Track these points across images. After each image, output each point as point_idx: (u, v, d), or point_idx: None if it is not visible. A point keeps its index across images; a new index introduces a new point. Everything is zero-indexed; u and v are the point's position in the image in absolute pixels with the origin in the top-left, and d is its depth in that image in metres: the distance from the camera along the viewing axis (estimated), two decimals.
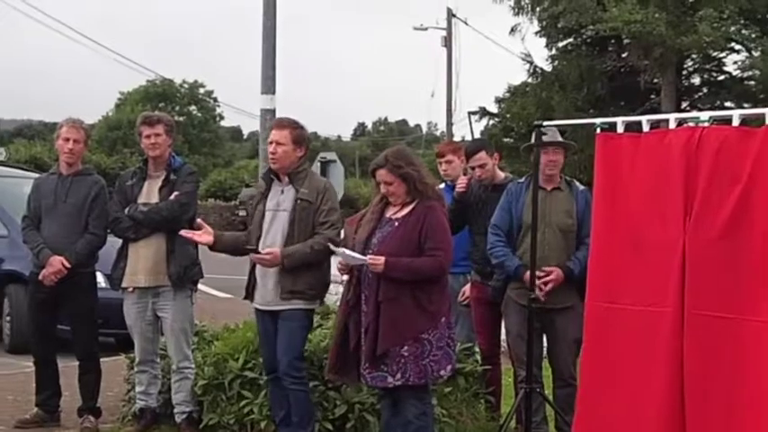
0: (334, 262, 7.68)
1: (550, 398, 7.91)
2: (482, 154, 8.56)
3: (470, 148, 8.85)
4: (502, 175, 8.72)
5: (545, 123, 7.49)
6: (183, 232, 7.79)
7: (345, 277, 7.02)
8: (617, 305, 6.47)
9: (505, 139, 27.16)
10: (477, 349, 8.64)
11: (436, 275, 6.88)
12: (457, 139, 40.81)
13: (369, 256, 6.77)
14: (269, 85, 12.20)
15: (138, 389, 8.54)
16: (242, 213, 43.05)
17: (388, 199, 7.07)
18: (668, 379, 6.14)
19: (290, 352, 7.55)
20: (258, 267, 7.66)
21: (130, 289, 8.34)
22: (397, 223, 6.95)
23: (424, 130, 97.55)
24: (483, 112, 29.98)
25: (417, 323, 6.76)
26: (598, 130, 6.61)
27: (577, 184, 7.88)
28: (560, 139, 7.94)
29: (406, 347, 6.74)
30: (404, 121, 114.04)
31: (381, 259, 6.72)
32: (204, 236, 7.74)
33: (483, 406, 8.47)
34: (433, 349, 6.79)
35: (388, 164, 6.98)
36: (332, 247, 7.04)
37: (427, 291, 6.82)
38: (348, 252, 6.87)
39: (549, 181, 7.92)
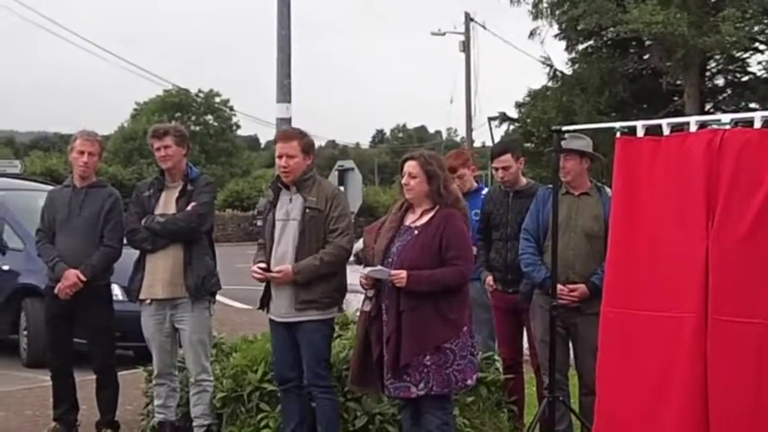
0: (351, 271, 7.63)
1: (577, 405, 7.83)
2: (507, 156, 8.49)
3: (496, 149, 8.78)
4: (524, 180, 8.65)
5: (564, 128, 7.41)
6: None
7: (370, 292, 6.94)
8: (634, 311, 6.39)
9: (526, 144, 27.01)
10: (498, 358, 8.54)
11: (458, 285, 6.81)
12: (477, 145, 40.76)
13: (391, 271, 6.71)
14: (284, 94, 12.19)
15: (156, 402, 8.48)
16: (260, 223, 43.10)
17: (407, 206, 7.01)
18: (690, 385, 6.06)
19: (314, 363, 7.51)
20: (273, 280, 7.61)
21: (148, 301, 8.28)
22: (416, 231, 6.89)
23: (444, 136, 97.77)
24: (503, 118, 29.87)
25: (439, 332, 6.71)
26: (618, 134, 6.53)
27: (607, 189, 7.78)
28: (576, 145, 7.84)
29: (428, 357, 6.69)
30: (423, 128, 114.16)
31: (403, 273, 6.68)
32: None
33: (506, 416, 8.39)
34: (456, 358, 6.74)
35: (421, 158, 6.97)
36: (361, 270, 6.94)
37: (449, 300, 6.76)
38: (374, 270, 6.81)
39: (576, 186, 7.86)
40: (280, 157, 7.68)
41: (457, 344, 6.75)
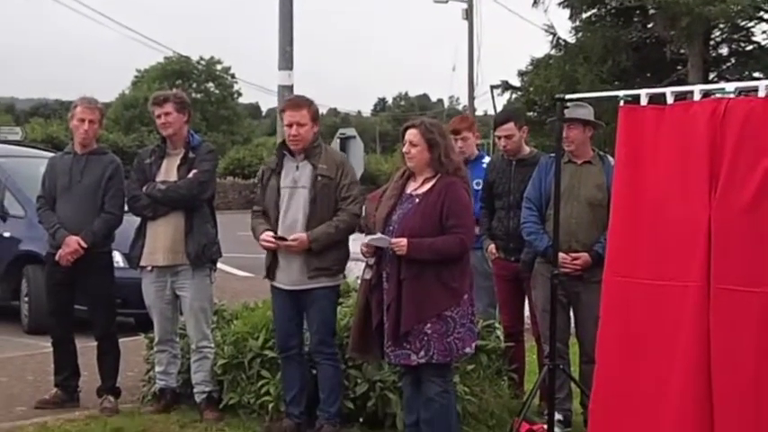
0: (352, 239, 7.63)
1: (578, 374, 7.84)
2: (510, 125, 8.47)
3: (499, 118, 8.77)
4: (527, 149, 8.63)
5: (567, 97, 7.37)
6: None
7: (371, 260, 6.93)
8: (636, 279, 6.35)
9: (529, 113, 26.85)
10: (498, 326, 8.54)
11: (458, 253, 6.79)
12: (479, 114, 40.65)
13: (392, 239, 6.70)
14: (286, 61, 12.09)
15: (157, 369, 8.50)
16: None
17: (408, 174, 6.99)
18: (693, 353, 6.03)
19: (322, 330, 7.57)
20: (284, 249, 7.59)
21: (149, 268, 8.29)
22: (417, 200, 6.87)
23: (446, 104, 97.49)
24: (505, 86, 29.60)
25: (440, 301, 6.71)
26: (621, 103, 6.49)
27: (610, 158, 7.75)
28: (580, 114, 7.82)
29: (429, 325, 6.68)
30: (425, 96, 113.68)
31: (404, 241, 6.66)
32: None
33: (506, 383, 8.38)
34: (456, 326, 6.74)
35: (422, 126, 6.93)
36: (365, 238, 6.92)
37: (450, 268, 6.75)
38: (375, 237, 6.79)
39: (578, 155, 7.85)
40: (290, 125, 7.63)
41: (457, 312, 6.75)
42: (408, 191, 6.99)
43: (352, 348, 7.16)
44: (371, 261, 6.88)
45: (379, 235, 6.78)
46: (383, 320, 6.82)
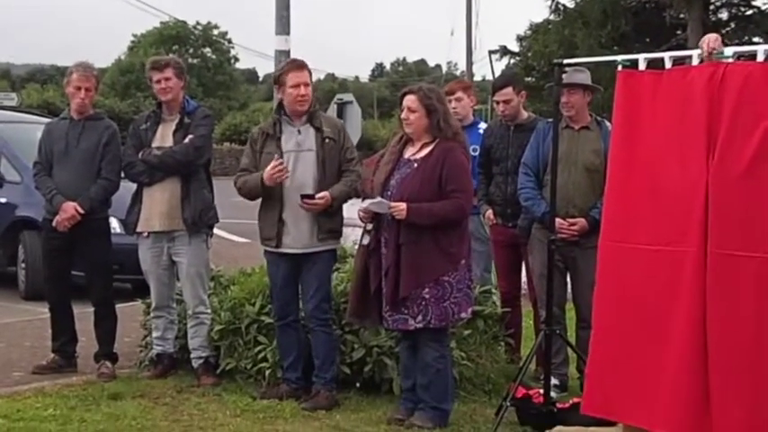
0: (349, 204, 7.64)
1: (574, 339, 7.85)
2: (509, 90, 8.45)
3: (498, 82, 8.74)
4: (525, 114, 8.61)
5: (566, 62, 7.33)
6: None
7: (369, 225, 6.93)
8: (632, 244, 6.33)
9: (527, 79, 26.76)
10: (495, 291, 8.54)
11: (457, 218, 6.85)
12: (477, 79, 40.50)
13: (391, 203, 6.69)
14: (283, 26, 12.06)
15: (154, 334, 8.51)
16: None
17: (406, 139, 6.99)
18: (690, 318, 6.02)
19: (318, 294, 7.58)
20: (289, 211, 7.56)
21: (145, 234, 8.29)
22: (416, 164, 6.89)
23: (444, 70, 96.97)
24: (504, 51, 29.59)
25: (438, 266, 6.76)
26: (619, 67, 6.45)
27: (607, 123, 7.73)
28: (576, 79, 7.79)
29: (426, 290, 6.74)
30: (423, 61, 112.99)
31: (403, 206, 6.69)
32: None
33: (503, 349, 8.39)
34: (453, 291, 6.80)
35: (420, 92, 6.95)
36: (363, 203, 6.92)
37: (448, 233, 6.80)
38: (374, 202, 6.79)
39: (576, 120, 7.84)
40: (296, 86, 7.60)
41: (454, 277, 6.80)
42: (406, 156, 6.99)
43: (350, 313, 7.18)
44: (369, 226, 6.89)
45: (378, 199, 6.78)
46: (381, 286, 6.83)
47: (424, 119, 6.89)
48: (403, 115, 6.94)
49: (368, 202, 6.83)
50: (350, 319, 7.33)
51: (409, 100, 6.94)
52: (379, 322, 7.09)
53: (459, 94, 8.95)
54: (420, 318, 6.78)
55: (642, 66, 6.45)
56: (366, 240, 6.91)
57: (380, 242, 6.88)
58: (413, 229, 6.72)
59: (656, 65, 6.41)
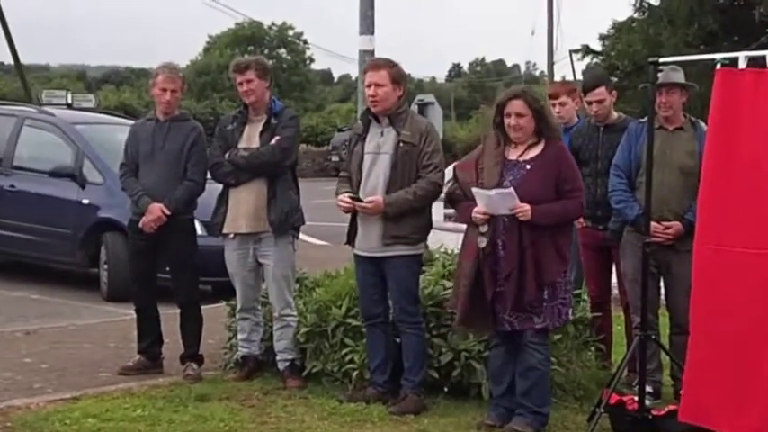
0: (438, 208, 7.54)
1: (668, 345, 7.67)
2: (602, 89, 8.34)
3: (590, 83, 8.57)
4: (615, 115, 8.45)
5: (662, 60, 7.17)
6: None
7: (483, 228, 6.82)
8: (728, 248, 6.21)
9: (611, 79, 26.47)
10: (585, 296, 8.39)
11: (576, 217, 7.05)
12: (557, 79, 40.17)
13: (515, 204, 6.64)
14: (367, 25, 11.93)
15: (240, 336, 8.48)
16: (334, 159, 43.01)
17: (505, 141, 6.88)
18: None
19: (402, 299, 7.50)
20: (360, 214, 7.53)
21: (231, 235, 8.26)
22: (528, 166, 6.84)
23: (523, 70, 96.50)
24: (586, 51, 29.16)
25: (555, 267, 6.79)
26: (718, 66, 6.29)
27: (702, 124, 7.56)
28: (675, 78, 7.62)
29: (545, 291, 6.77)
30: (501, 62, 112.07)
31: (527, 207, 6.65)
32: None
33: (593, 354, 8.25)
34: (561, 292, 6.84)
35: (526, 95, 6.90)
36: (475, 190, 6.81)
37: (563, 234, 6.86)
38: (501, 192, 6.69)
39: (671, 121, 7.67)
40: (368, 86, 7.59)
41: (564, 278, 6.84)
42: (512, 157, 6.93)
43: (460, 321, 7.03)
44: (484, 229, 6.77)
45: (509, 189, 6.69)
46: (495, 290, 6.80)
47: (533, 121, 6.84)
48: (512, 121, 6.83)
49: (495, 191, 6.73)
50: (458, 327, 7.22)
51: (517, 105, 6.85)
52: (491, 328, 7.01)
53: (564, 98, 8.81)
54: (540, 319, 6.79)
55: (742, 64, 6.30)
56: (483, 243, 6.78)
57: (496, 245, 6.80)
58: (535, 230, 6.69)
59: (756, 64, 6.25)
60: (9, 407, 7.49)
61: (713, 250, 6.29)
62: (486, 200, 6.75)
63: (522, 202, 6.66)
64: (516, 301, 6.72)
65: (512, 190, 6.70)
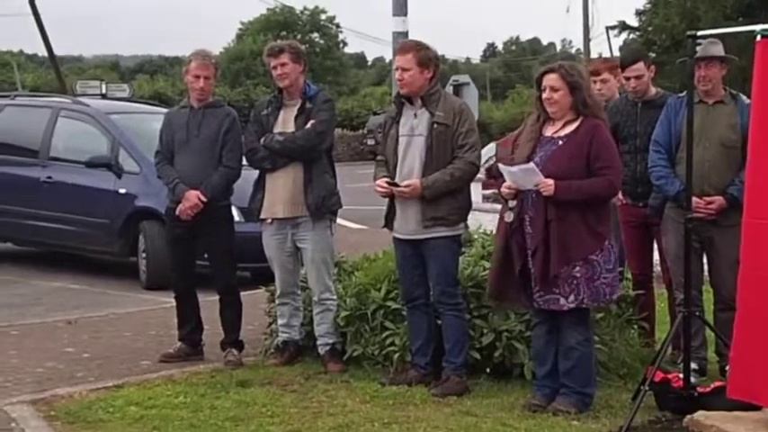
0: (476, 189, 7.48)
1: (712, 322, 7.59)
2: (640, 64, 8.22)
3: (628, 58, 8.46)
4: (653, 90, 8.33)
5: (700, 33, 7.06)
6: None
7: (512, 203, 6.77)
8: None
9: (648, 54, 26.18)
10: (627, 275, 8.30)
11: (607, 196, 6.84)
12: (593, 56, 39.85)
13: (538, 179, 6.58)
14: (401, 7, 11.88)
15: (280, 321, 8.46)
16: (370, 142, 42.94)
17: (544, 118, 6.82)
18: None
19: (442, 281, 7.46)
20: (398, 197, 7.48)
21: (269, 220, 8.24)
22: (561, 142, 6.78)
23: (558, 48, 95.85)
24: (623, 26, 28.88)
25: (586, 244, 6.70)
26: (758, 37, 6.18)
27: (743, 97, 7.45)
28: (714, 51, 7.50)
29: (577, 268, 6.68)
30: (536, 40, 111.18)
31: (550, 182, 6.60)
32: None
33: (636, 332, 8.16)
34: (602, 271, 6.75)
35: (562, 69, 6.83)
36: (501, 166, 6.77)
37: (595, 211, 6.74)
38: (523, 168, 6.65)
39: (710, 95, 7.55)
40: (396, 69, 7.59)
41: (602, 257, 6.73)
42: (548, 134, 6.88)
43: (490, 295, 7.10)
44: (512, 203, 6.74)
45: (531, 165, 6.65)
46: (525, 266, 6.76)
47: (568, 96, 6.75)
48: (545, 95, 6.77)
49: (517, 167, 6.68)
50: (490, 301, 7.24)
51: (551, 79, 6.78)
52: (522, 303, 7.00)
53: (606, 75, 8.67)
54: (572, 297, 6.70)
55: None
56: (510, 218, 6.77)
57: (523, 221, 6.77)
58: (561, 205, 6.63)
59: None
60: (53, 396, 7.53)
61: (760, 224, 6.19)
62: (510, 175, 6.74)
63: (548, 177, 6.61)
64: (543, 279, 6.68)
65: (532, 165, 6.66)
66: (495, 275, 6.95)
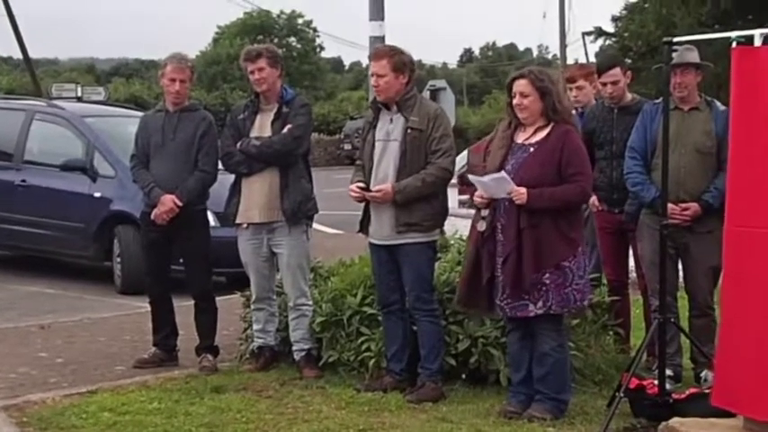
0: (452, 194, 7.47)
1: (687, 328, 7.59)
2: (617, 70, 8.22)
3: (605, 63, 8.46)
4: (629, 96, 8.34)
5: (676, 39, 7.07)
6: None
7: (484, 212, 6.77)
8: (759, 229, 6.10)
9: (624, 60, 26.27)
10: (603, 281, 8.31)
11: (579, 202, 6.85)
12: (570, 62, 39.95)
13: (510, 188, 6.58)
14: (377, 11, 11.88)
15: (255, 327, 8.43)
16: (347, 147, 42.94)
17: (516, 124, 6.82)
18: None
19: (417, 287, 7.45)
20: (372, 203, 7.49)
21: (245, 225, 8.21)
22: (532, 149, 6.77)
23: (535, 53, 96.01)
24: (599, 32, 28.98)
25: (559, 250, 6.70)
26: (734, 44, 6.20)
27: (718, 104, 7.49)
28: (690, 58, 7.52)
29: (547, 275, 6.66)
30: (513, 46, 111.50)
31: (523, 190, 6.60)
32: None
33: (612, 338, 8.18)
34: (575, 278, 6.73)
35: (531, 74, 6.82)
36: (471, 177, 6.78)
37: (567, 218, 6.75)
38: (495, 177, 6.63)
39: (686, 101, 7.58)
40: (372, 75, 7.58)
41: (574, 263, 6.72)
42: (519, 140, 6.87)
43: (458, 301, 7.10)
44: (485, 212, 6.74)
45: (502, 174, 6.65)
46: (494, 273, 6.73)
47: (538, 102, 6.75)
48: (516, 101, 6.77)
49: (488, 177, 6.68)
50: (457, 307, 7.23)
51: (521, 84, 6.77)
52: (489, 311, 6.98)
53: (581, 82, 8.68)
54: (540, 304, 6.69)
55: (758, 41, 6.22)
56: (482, 227, 6.76)
57: (495, 228, 6.76)
58: (534, 213, 6.63)
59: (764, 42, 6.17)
60: (25, 402, 7.46)
61: (745, 232, 6.19)
62: (483, 185, 6.75)
63: (520, 185, 6.62)
64: (513, 286, 6.67)
65: (504, 174, 6.66)
66: (464, 282, 6.96)
